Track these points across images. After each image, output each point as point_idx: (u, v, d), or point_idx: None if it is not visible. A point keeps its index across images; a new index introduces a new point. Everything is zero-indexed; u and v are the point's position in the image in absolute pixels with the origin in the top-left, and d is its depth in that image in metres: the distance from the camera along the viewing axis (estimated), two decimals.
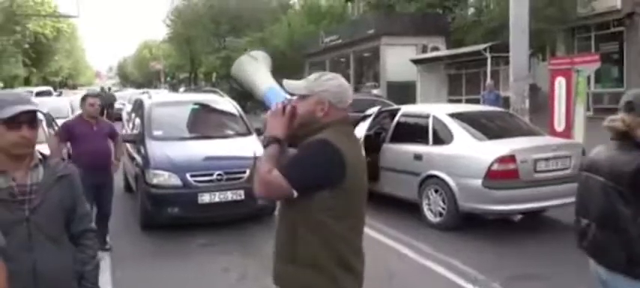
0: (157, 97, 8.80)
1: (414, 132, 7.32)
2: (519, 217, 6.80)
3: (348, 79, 21.65)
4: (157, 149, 6.78)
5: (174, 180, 6.39)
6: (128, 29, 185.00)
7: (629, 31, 17.67)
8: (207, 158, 6.67)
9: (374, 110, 8.16)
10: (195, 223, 6.61)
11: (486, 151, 6.29)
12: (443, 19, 22.18)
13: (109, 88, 31.83)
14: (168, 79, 78.93)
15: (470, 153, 6.43)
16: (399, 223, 6.86)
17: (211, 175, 6.44)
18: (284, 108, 2.13)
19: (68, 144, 5.95)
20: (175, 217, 6.44)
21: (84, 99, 5.93)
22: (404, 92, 19.74)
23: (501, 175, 6.08)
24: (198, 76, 55.58)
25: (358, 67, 25.34)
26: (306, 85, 2.16)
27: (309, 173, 1.99)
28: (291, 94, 2.20)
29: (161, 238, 6.49)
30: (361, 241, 2.13)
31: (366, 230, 6.47)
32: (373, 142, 7.95)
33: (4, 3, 35.13)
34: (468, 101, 18.33)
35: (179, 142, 6.97)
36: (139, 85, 74.35)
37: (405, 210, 7.20)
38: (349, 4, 37.32)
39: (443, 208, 6.60)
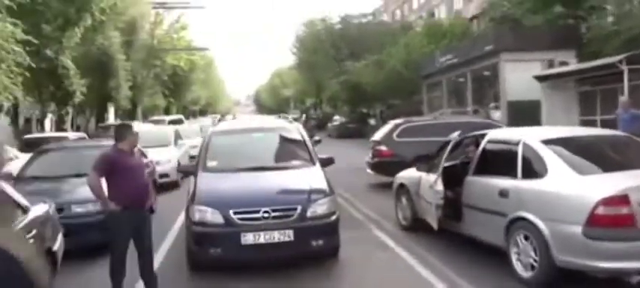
0: (223, 124, 8.45)
1: (502, 162, 6.00)
2: (639, 278, 5.15)
3: (465, 100, 19.88)
4: (205, 182, 6.31)
5: (216, 217, 5.77)
6: (264, 59, 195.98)
7: None
8: (256, 192, 6.01)
9: (454, 135, 6.94)
10: (244, 265, 5.89)
11: (590, 189, 4.83)
12: (574, 31, 19.66)
13: (222, 116, 33.12)
14: (302, 105, 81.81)
15: (568, 190, 5.00)
16: (480, 275, 5.58)
17: (257, 212, 5.74)
18: None
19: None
20: (219, 258, 5.80)
21: (126, 128, 5.45)
22: (527, 113, 17.61)
23: (609, 221, 4.60)
24: (323, 101, 56.34)
25: (477, 87, 23.50)
26: None
27: None
28: None
29: (203, 281, 5.88)
30: None
31: (433, 281, 5.30)
32: (457, 174, 6.75)
33: (146, 41, 38.35)
34: (603, 122, 15.86)
35: (233, 174, 6.47)
36: (270, 112, 78.00)
37: (495, 257, 5.87)
38: (474, 21, 35.42)
39: (535, 260, 5.20)
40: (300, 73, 59.82)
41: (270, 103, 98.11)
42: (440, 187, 6.58)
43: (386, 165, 11.59)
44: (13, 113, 28.56)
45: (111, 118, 31.23)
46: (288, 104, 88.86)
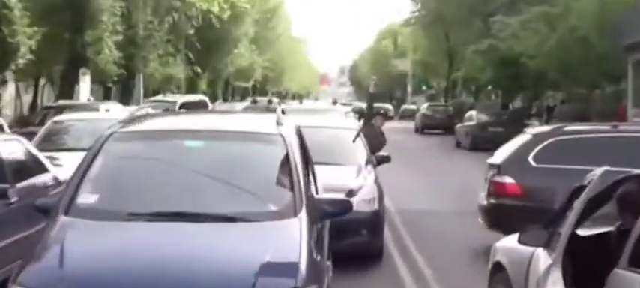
0: (149, 121, 7.78)
1: None
2: None
3: None
4: (56, 240, 5.57)
5: None
6: (367, 17, 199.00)
7: None
8: (145, 272, 5.24)
9: (596, 173, 5.74)
10: None
11: None
12: None
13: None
14: (425, 87, 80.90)
15: None
16: None
17: None
18: None
19: None
20: None
21: None
22: None
23: None
24: (457, 85, 55.38)
25: None
26: None
27: None
28: None
29: None
30: None
31: None
32: (606, 255, 5.55)
33: None
34: None
35: (121, 225, 5.79)
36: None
37: None
38: None
39: None
40: (423, 34, 59.25)
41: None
42: (558, 286, 5.36)
43: (509, 213, 10.86)
44: None
45: (84, 93, 31.66)
46: (403, 85, 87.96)
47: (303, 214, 5.85)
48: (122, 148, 6.56)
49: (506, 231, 10.44)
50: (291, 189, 6.09)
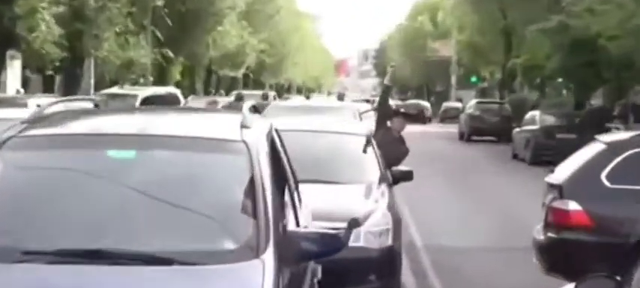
0: (63, 122, 7.79)
1: None
2: None
3: None
4: None
5: None
6: None
7: None
8: None
9: None
10: None
11: None
12: None
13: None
14: (474, 79, 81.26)
15: None
16: None
17: None
18: None
19: None
20: None
21: None
22: None
23: None
24: (517, 74, 55.65)
25: None
26: None
27: None
28: None
29: None
30: None
31: None
32: None
33: None
34: None
35: (15, 268, 5.61)
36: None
37: None
38: None
39: None
40: (472, 8, 59.77)
41: (406, 70, 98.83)
42: None
43: (574, 252, 11.21)
44: None
45: (12, 83, 31.75)
46: (445, 75, 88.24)
47: (268, 254, 5.70)
48: (21, 159, 6.47)
49: (569, 276, 10.50)
50: (255, 218, 5.97)
